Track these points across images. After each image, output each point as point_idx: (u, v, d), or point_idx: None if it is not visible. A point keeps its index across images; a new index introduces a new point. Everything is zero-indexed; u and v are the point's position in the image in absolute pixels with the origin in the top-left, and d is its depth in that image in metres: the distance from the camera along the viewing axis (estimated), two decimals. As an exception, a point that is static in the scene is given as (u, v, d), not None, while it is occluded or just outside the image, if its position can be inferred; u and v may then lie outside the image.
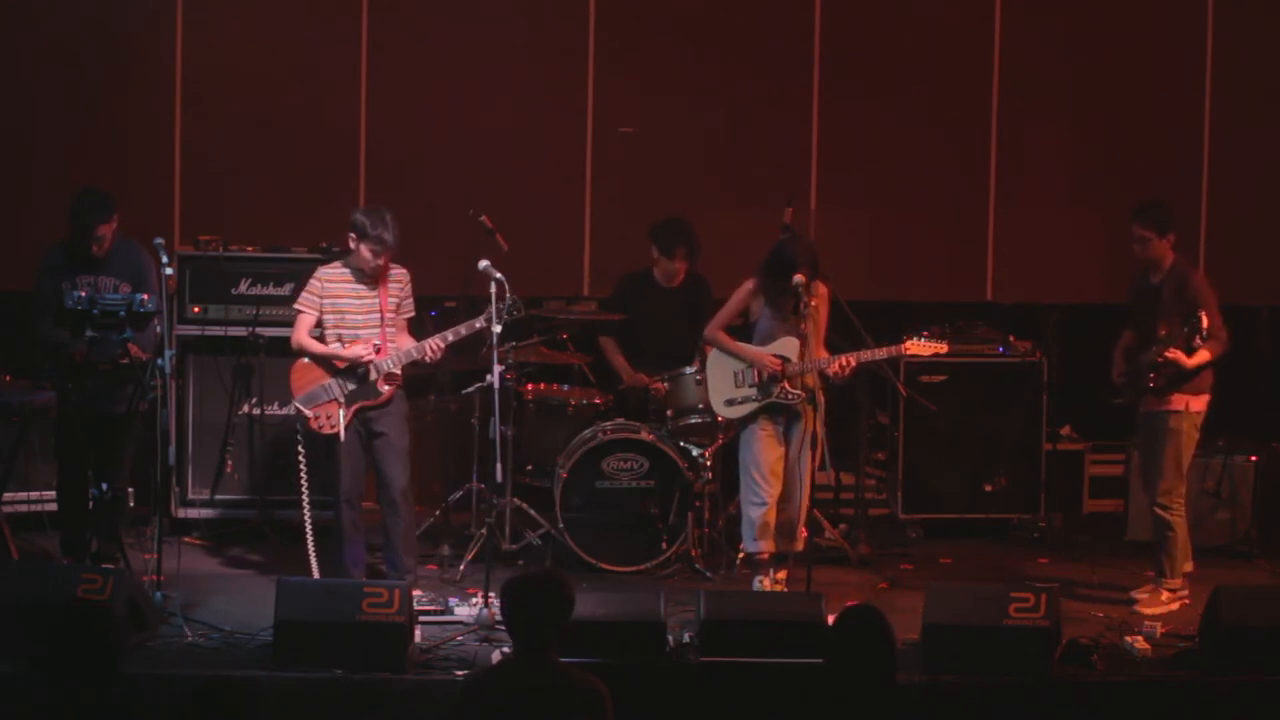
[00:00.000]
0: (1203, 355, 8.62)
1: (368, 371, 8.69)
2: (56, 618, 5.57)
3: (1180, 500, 8.83)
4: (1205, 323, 8.51)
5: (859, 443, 10.21)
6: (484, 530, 9.09)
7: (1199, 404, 8.75)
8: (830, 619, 7.19)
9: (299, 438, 8.83)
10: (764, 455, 8.77)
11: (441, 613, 8.38)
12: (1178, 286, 8.71)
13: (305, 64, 11.14)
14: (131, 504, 9.37)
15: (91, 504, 8.84)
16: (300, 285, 8.86)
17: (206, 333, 9.89)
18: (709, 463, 9.47)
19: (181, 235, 10.66)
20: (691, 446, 9.52)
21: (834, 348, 8.90)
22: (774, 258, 8.79)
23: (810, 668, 7.18)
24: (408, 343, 8.76)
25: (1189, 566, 8.86)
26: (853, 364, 8.75)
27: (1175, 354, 8.56)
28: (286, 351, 9.03)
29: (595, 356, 10.14)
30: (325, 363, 8.73)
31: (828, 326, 8.93)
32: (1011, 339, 10.61)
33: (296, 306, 8.79)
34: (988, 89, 11.58)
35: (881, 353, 8.82)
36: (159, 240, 8.51)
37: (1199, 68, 11.62)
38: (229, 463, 9.83)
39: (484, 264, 8.50)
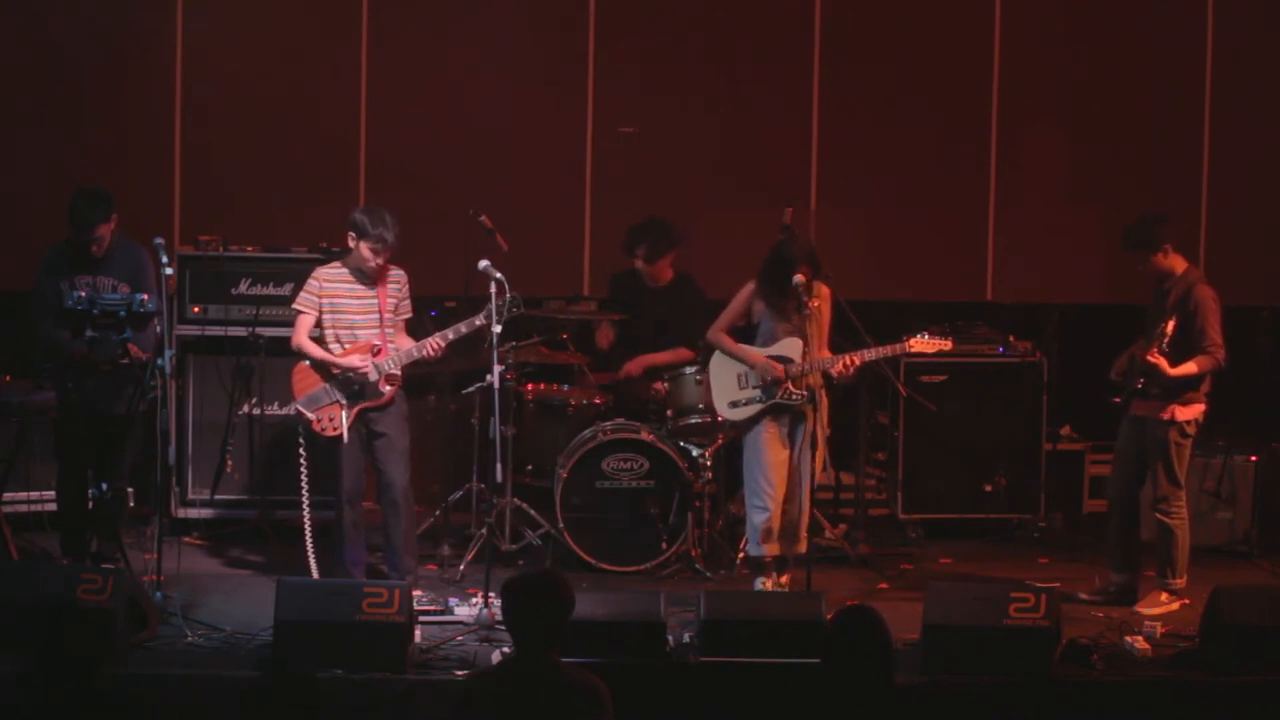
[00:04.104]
0: (1188, 367, 8.60)
1: (368, 372, 8.69)
2: (44, 618, 5.57)
3: (1180, 505, 8.81)
4: (1169, 330, 8.51)
5: (859, 443, 10.22)
6: (484, 530, 9.09)
7: (1187, 414, 8.71)
8: (829, 619, 7.20)
9: (300, 440, 8.82)
10: (769, 458, 8.77)
11: (441, 613, 8.39)
12: (1182, 295, 8.70)
13: (305, 64, 11.16)
14: (131, 504, 9.37)
15: (91, 504, 8.84)
16: (300, 285, 8.86)
17: (206, 333, 9.89)
18: (709, 463, 9.47)
19: (181, 235, 10.67)
20: (691, 446, 9.52)
21: (835, 348, 8.90)
22: (772, 258, 8.79)
23: (810, 668, 7.19)
24: (407, 343, 8.76)
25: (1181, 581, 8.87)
26: (856, 363, 8.74)
27: (1155, 358, 8.55)
28: (286, 351, 9.03)
29: (594, 356, 10.15)
30: (326, 365, 8.73)
31: (831, 327, 8.93)
32: (1011, 339, 10.61)
33: (295, 307, 8.79)
34: (988, 89, 11.59)
35: (885, 351, 8.81)
36: (159, 240, 8.51)
37: (1199, 68, 11.63)
38: (229, 463, 9.84)
39: (484, 264, 8.50)
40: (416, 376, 9.35)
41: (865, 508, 10.24)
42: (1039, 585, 7.93)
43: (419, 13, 11.29)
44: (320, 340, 8.76)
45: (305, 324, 8.75)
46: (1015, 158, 11.65)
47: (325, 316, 8.74)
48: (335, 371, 8.70)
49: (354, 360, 8.66)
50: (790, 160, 11.46)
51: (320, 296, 8.73)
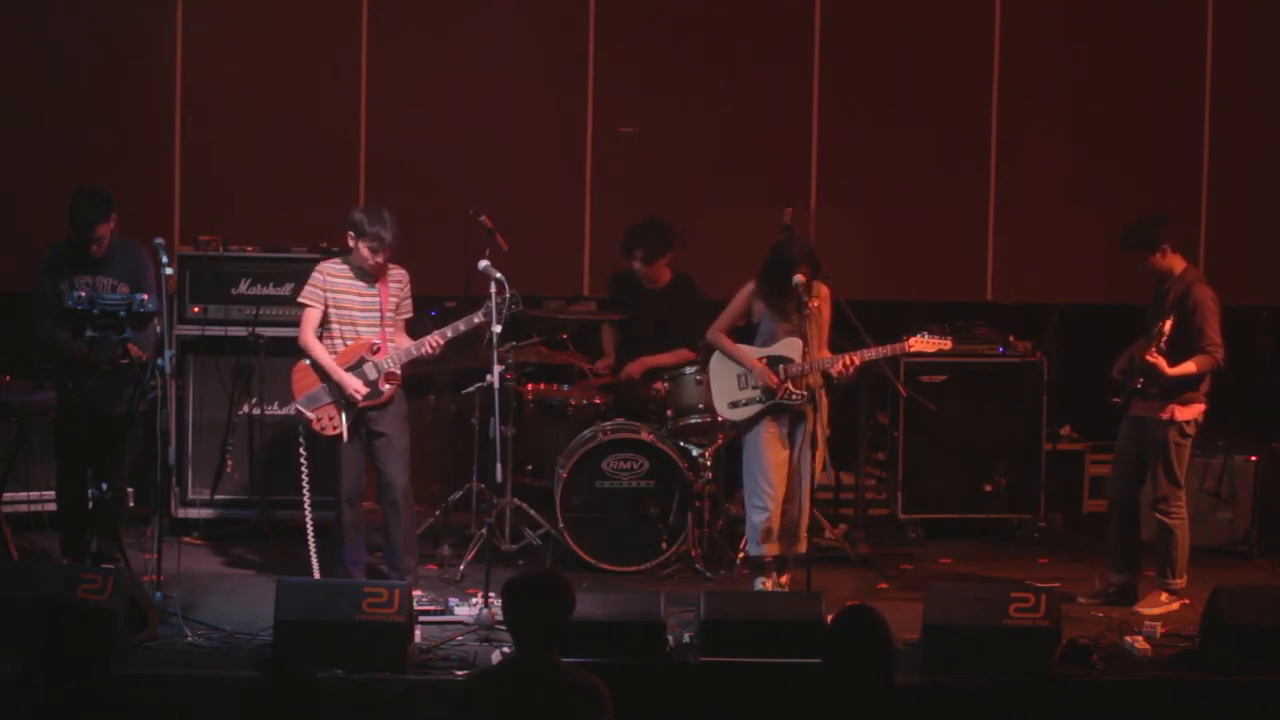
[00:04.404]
0: (1187, 366, 8.60)
1: (368, 371, 8.68)
2: (44, 618, 5.57)
3: (1179, 505, 8.81)
4: (1167, 329, 8.51)
5: (859, 443, 10.22)
6: (484, 530, 9.09)
7: (1186, 414, 8.71)
8: (829, 619, 7.20)
9: (300, 439, 8.82)
10: (769, 458, 8.76)
11: (441, 613, 8.39)
12: (1181, 294, 8.70)
13: (305, 64, 11.15)
14: (131, 504, 9.37)
15: (91, 504, 8.85)
16: (300, 285, 8.85)
17: (206, 333, 9.89)
18: (709, 463, 9.47)
19: (181, 235, 10.67)
20: (691, 446, 9.52)
21: (835, 348, 8.90)
22: (773, 258, 8.79)
23: (810, 668, 7.19)
24: (406, 342, 8.76)
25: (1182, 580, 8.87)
26: (856, 363, 8.74)
27: (1154, 358, 8.55)
28: (286, 351, 9.03)
29: (595, 353, 10.16)
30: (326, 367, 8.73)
31: (830, 327, 8.93)
32: (1011, 339, 10.62)
33: (301, 300, 8.78)
34: (988, 89, 11.58)
35: (885, 350, 8.80)
36: (159, 240, 8.51)
37: (1199, 68, 11.63)
38: (229, 463, 9.84)
39: (484, 264, 8.50)
40: (416, 376, 9.35)
41: (865, 508, 10.24)
42: (1039, 585, 7.93)
43: (419, 13, 11.28)
44: (323, 336, 8.75)
45: (312, 319, 8.73)
46: (1015, 158, 11.65)
47: (329, 311, 8.73)
48: (335, 377, 8.69)
49: (351, 384, 8.64)
50: (790, 160, 11.46)
51: (325, 290, 8.73)
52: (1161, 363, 8.54)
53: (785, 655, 7.53)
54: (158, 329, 8.65)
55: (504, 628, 6.50)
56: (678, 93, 11.35)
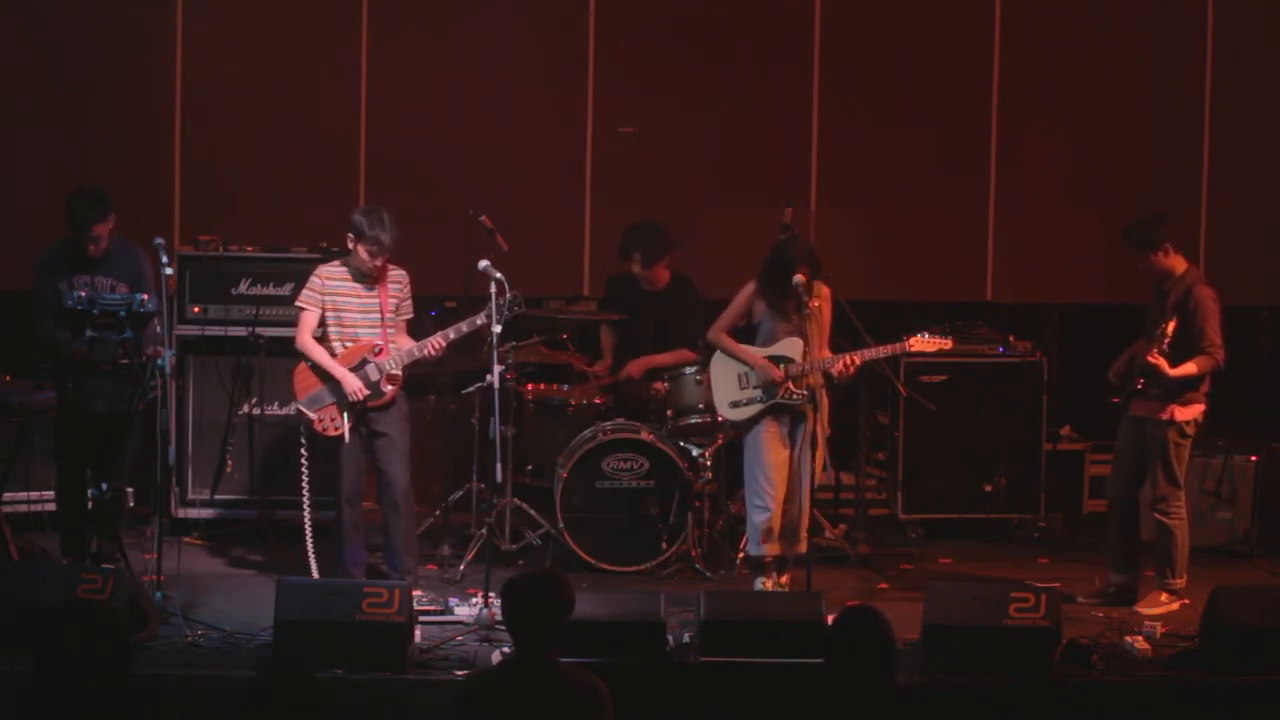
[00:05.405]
0: (1188, 367, 8.60)
1: (370, 372, 8.68)
2: (60, 617, 5.56)
3: (1179, 505, 8.81)
4: (1169, 331, 8.51)
5: (859, 443, 10.22)
6: (484, 530, 9.09)
7: (1186, 414, 8.71)
8: (830, 619, 7.20)
9: (302, 440, 8.82)
10: (769, 457, 8.76)
11: (441, 613, 8.39)
12: (1182, 295, 8.70)
13: (305, 64, 11.16)
14: (131, 504, 9.37)
15: (91, 504, 8.85)
16: (300, 285, 8.86)
17: (206, 333, 9.89)
18: (709, 463, 9.47)
19: (181, 235, 10.67)
20: (691, 446, 9.52)
21: (835, 348, 8.90)
22: (773, 259, 8.80)
23: (810, 668, 7.19)
24: (408, 343, 8.76)
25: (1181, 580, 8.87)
26: (857, 363, 8.74)
27: (1156, 359, 8.55)
28: (286, 351, 9.03)
29: (593, 355, 10.16)
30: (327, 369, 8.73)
31: (831, 327, 8.93)
32: (1011, 339, 10.62)
33: (298, 304, 8.78)
34: (988, 89, 11.59)
35: (886, 350, 8.80)
36: (159, 240, 8.51)
37: (1199, 68, 11.63)
38: (229, 463, 9.84)
39: (484, 264, 8.50)
40: (416, 376, 9.35)
41: (865, 508, 10.24)
42: (1039, 585, 7.93)
43: (419, 13, 11.29)
44: (322, 339, 8.76)
45: (309, 322, 8.74)
46: (1015, 158, 11.65)
47: (327, 315, 8.73)
48: (335, 374, 8.69)
49: (352, 384, 8.63)
50: (790, 160, 11.46)
51: (323, 294, 8.73)
52: (1163, 364, 8.54)
53: (785, 655, 7.53)
54: (158, 329, 8.66)
55: (504, 628, 6.50)
56: (678, 93, 11.35)
